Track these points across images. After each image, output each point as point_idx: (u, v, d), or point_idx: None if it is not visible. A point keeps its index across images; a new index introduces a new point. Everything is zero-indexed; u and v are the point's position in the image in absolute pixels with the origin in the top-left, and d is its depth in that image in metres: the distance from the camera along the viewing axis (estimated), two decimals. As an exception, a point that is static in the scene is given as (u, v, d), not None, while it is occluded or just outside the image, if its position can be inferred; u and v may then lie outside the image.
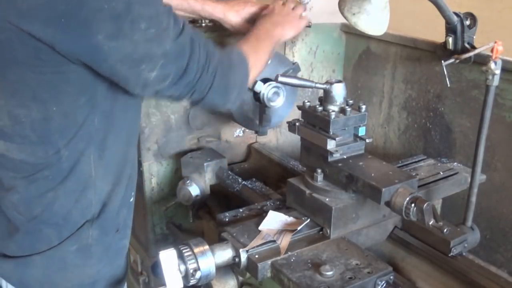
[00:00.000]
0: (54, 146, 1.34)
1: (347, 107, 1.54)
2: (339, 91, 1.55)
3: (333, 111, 1.53)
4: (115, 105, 1.39)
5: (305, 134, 1.60)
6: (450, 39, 1.88)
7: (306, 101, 1.61)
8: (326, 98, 1.56)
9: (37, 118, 1.31)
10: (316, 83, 1.57)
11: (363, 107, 1.57)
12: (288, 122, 1.64)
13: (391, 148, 2.36)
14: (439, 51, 1.98)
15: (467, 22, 1.85)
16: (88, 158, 1.38)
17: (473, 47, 1.84)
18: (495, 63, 1.52)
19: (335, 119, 1.51)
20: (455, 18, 1.83)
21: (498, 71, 1.53)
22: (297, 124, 1.60)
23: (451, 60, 1.84)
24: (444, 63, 1.84)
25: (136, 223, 2.38)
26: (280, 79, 1.56)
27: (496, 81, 1.54)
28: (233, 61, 1.52)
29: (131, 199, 1.60)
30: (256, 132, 2.04)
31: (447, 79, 1.88)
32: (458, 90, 2.01)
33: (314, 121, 1.57)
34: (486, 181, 1.80)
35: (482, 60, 1.73)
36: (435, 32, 1.96)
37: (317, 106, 1.57)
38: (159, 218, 2.25)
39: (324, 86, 1.55)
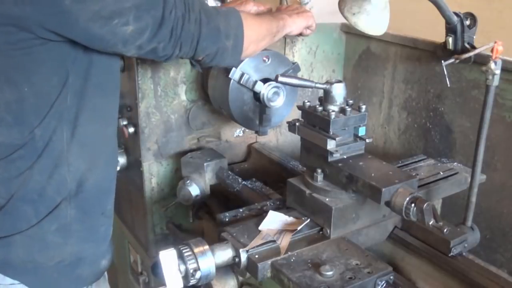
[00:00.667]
0: (29, 126, 1.38)
1: (347, 107, 1.54)
2: (339, 91, 1.55)
3: (333, 111, 1.53)
4: (87, 85, 1.43)
5: (305, 134, 1.60)
6: (450, 39, 1.88)
7: (306, 101, 1.61)
8: (326, 98, 1.56)
9: (11, 100, 1.35)
10: (316, 83, 1.57)
11: (363, 107, 1.57)
12: (288, 122, 1.64)
13: (391, 148, 2.36)
14: (439, 51, 1.98)
15: (467, 22, 1.85)
16: (60, 135, 1.42)
17: (473, 47, 1.84)
18: (495, 63, 1.52)
19: (335, 119, 1.51)
20: (455, 18, 1.83)
21: (498, 71, 1.53)
22: (297, 124, 1.60)
23: (451, 60, 1.84)
24: (444, 63, 1.84)
25: (136, 223, 2.39)
26: (280, 79, 1.56)
27: (496, 81, 1.54)
28: (221, 10, 1.53)
29: (113, 187, 1.65)
30: (256, 132, 2.04)
31: (447, 79, 1.88)
32: (458, 90, 2.01)
33: (314, 121, 1.57)
34: (486, 181, 1.80)
35: (482, 60, 1.73)
36: (435, 32, 1.96)
37: (317, 106, 1.57)
38: (159, 218, 2.25)
39: (324, 86, 1.55)
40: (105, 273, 1.73)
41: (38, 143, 1.40)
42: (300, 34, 1.91)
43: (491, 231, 1.98)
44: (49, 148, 1.41)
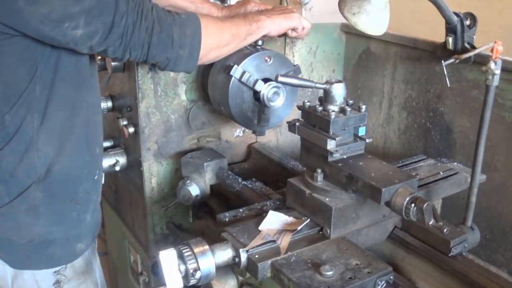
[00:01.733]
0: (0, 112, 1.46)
1: (347, 107, 1.54)
2: (339, 91, 1.55)
3: (333, 111, 1.53)
4: (56, 77, 1.49)
5: (305, 134, 1.60)
6: (450, 39, 1.88)
7: (306, 101, 1.61)
8: (326, 98, 1.56)
9: None
10: (316, 83, 1.57)
11: (363, 107, 1.57)
12: (288, 122, 1.64)
13: (391, 148, 2.36)
14: (439, 51, 1.98)
15: (467, 22, 1.85)
16: (30, 123, 1.49)
17: (473, 47, 1.84)
18: (495, 63, 1.52)
19: (335, 119, 1.51)
20: (455, 18, 1.83)
21: (498, 71, 1.53)
22: (297, 124, 1.60)
23: (451, 60, 1.84)
24: (444, 63, 1.84)
25: (136, 223, 2.39)
26: (280, 79, 1.56)
27: (496, 81, 1.54)
28: (178, 19, 1.56)
29: (96, 177, 1.69)
30: (254, 132, 2.04)
31: (447, 79, 1.88)
32: (458, 90, 2.01)
33: (314, 121, 1.57)
34: (486, 181, 1.80)
35: (482, 60, 1.73)
36: (435, 32, 1.96)
37: (317, 106, 1.57)
38: (159, 218, 2.25)
39: (324, 86, 1.55)
40: (95, 265, 1.77)
41: (9, 128, 1.47)
42: (285, 35, 1.91)
43: (491, 231, 1.98)
44: (19, 134, 1.48)
